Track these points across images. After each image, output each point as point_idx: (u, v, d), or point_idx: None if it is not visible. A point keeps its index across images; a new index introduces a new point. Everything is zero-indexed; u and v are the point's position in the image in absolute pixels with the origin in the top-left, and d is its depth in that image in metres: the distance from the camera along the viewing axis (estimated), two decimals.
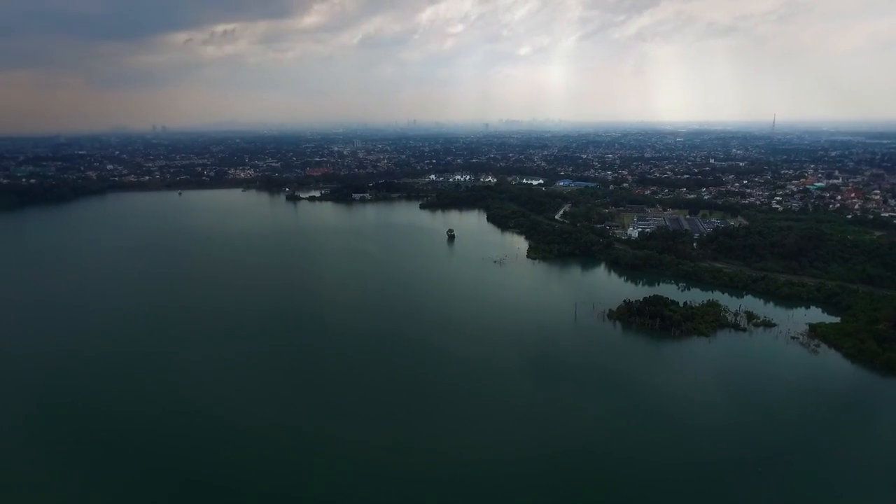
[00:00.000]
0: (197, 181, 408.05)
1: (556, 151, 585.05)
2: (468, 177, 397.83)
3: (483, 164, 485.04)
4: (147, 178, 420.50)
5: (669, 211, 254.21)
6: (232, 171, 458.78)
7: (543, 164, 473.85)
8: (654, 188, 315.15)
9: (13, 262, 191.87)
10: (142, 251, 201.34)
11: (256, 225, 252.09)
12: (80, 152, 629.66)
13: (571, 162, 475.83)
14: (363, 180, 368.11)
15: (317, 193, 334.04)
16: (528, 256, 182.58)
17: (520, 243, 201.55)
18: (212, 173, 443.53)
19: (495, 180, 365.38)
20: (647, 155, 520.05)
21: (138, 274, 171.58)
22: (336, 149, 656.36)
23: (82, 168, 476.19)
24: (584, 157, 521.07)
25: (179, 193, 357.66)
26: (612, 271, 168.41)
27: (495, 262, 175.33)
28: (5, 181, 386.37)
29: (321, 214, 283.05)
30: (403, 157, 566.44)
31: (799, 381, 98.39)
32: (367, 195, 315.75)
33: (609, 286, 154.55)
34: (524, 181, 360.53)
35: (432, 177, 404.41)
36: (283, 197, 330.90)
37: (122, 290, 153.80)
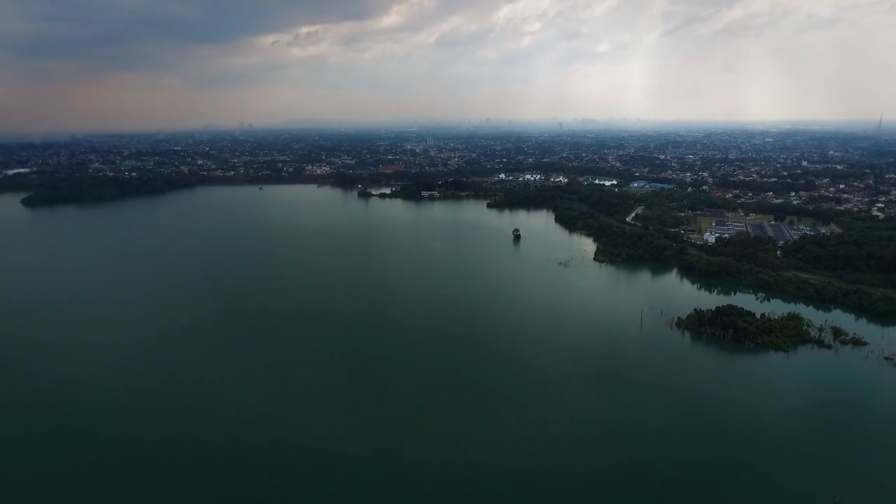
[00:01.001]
0: (277, 176, 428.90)
1: (631, 151, 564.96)
2: (538, 176, 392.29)
3: (554, 163, 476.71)
4: (232, 172, 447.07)
5: (752, 216, 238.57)
6: (309, 167, 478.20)
7: (618, 164, 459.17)
8: (737, 191, 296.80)
9: (110, 247, 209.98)
10: (218, 244, 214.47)
11: (327, 220, 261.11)
12: (176, 148, 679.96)
13: (648, 162, 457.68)
14: (433, 178, 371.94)
15: (387, 190, 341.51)
16: (594, 259, 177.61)
17: (587, 245, 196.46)
18: (290, 169, 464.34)
19: (566, 180, 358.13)
20: (731, 156, 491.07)
21: (210, 267, 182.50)
22: (409, 147, 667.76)
23: (176, 163, 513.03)
24: (662, 157, 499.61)
25: (260, 188, 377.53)
26: (683, 278, 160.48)
27: (560, 263, 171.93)
28: (111, 174, 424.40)
29: (390, 211, 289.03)
30: (474, 155, 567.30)
31: (893, 407, 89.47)
32: (436, 193, 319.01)
33: (679, 293, 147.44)
34: (596, 182, 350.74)
35: (502, 176, 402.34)
36: (355, 193, 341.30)
37: (199, 279, 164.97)
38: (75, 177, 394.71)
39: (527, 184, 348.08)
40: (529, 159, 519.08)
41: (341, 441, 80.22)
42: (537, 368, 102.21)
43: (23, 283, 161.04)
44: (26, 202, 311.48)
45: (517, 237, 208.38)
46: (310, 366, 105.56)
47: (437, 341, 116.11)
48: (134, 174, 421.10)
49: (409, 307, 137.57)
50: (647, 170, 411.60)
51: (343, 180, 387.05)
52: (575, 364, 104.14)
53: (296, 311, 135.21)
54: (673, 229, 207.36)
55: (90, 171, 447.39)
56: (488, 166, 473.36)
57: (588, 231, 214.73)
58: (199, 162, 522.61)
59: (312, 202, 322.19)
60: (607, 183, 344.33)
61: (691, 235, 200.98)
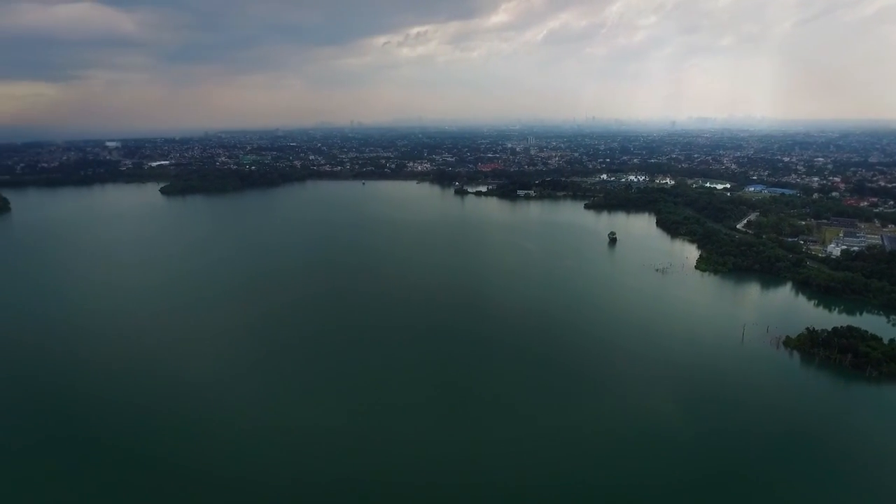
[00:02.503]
0: (379, 172, 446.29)
1: (750, 153, 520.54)
2: (643, 178, 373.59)
3: (662, 164, 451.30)
4: (339, 168, 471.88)
5: (891, 227, 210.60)
6: (410, 164, 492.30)
7: (733, 166, 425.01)
8: (875, 199, 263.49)
9: (225, 231, 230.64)
10: (317, 233, 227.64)
11: (421, 215, 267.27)
12: (292, 144, 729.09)
13: (768, 165, 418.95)
14: (530, 177, 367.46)
15: (483, 188, 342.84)
16: (696, 267, 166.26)
17: (689, 252, 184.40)
18: (393, 165, 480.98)
19: (672, 182, 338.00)
20: (871, 159, 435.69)
21: (307, 254, 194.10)
22: (509, 145, 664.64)
23: (290, 158, 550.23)
24: (786, 160, 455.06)
25: (363, 183, 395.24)
26: (798, 293, 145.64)
27: (657, 270, 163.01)
28: (234, 167, 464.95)
29: (484, 208, 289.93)
30: (576, 154, 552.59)
31: None
32: (532, 192, 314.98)
33: (790, 310, 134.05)
34: (706, 185, 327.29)
35: (603, 176, 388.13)
36: (451, 190, 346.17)
37: (296, 266, 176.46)
38: (204, 169, 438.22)
39: (629, 185, 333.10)
40: (635, 160, 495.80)
41: (441, 431, 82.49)
42: (623, 380, 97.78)
43: (148, 262, 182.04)
44: (163, 191, 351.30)
45: (613, 240, 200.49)
46: (399, 369, 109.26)
47: (521, 344, 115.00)
48: (253, 167, 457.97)
49: (495, 306, 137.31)
50: (766, 173, 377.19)
51: (441, 177, 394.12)
52: (665, 377, 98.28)
53: (380, 297, 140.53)
54: (790, 239, 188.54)
55: (217, 164, 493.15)
56: (590, 166, 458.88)
57: (691, 237, 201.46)
58: (311, 157, 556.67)
59: (409, 197, 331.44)
60: (719, 186, 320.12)
61: (812, 247, 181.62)
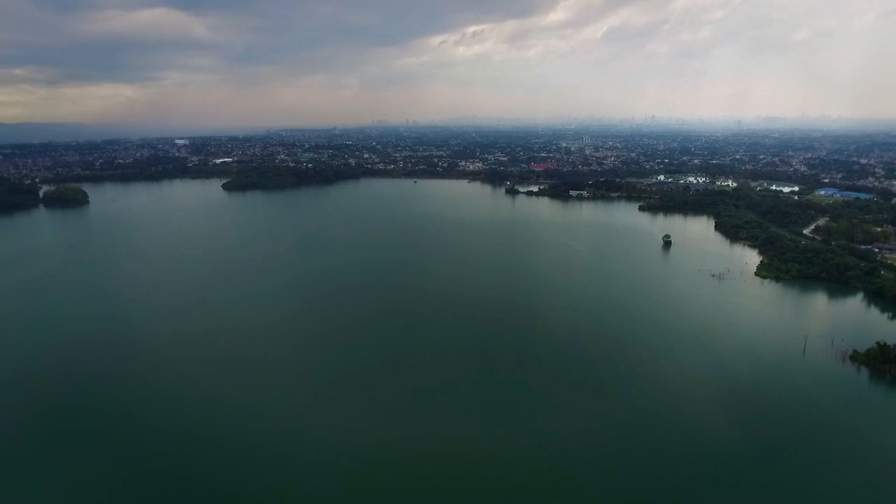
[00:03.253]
0: (432, 171, 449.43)
1: (823, 154, 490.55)
2: (703, 179, 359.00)
3: (724, 166, 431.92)
4: (392, 166, 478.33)
5: None
6: (463, 163, 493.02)
7: (803, 168, 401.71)
8: None
9: (278, 226, 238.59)
10: (368, 232, 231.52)
11: (471, 213, 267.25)
12: (347, 142, 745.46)
13: (843, 167, 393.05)
14: (584, 177, 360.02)
15: (535, 188, 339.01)
16: (756, 274, 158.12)
17: (750, 258, 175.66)
18: (445, 164, 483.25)
19: (735, 184, 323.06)
20: None
21: (358, 254, 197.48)
22: (563, 145, 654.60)
23: (346, 156, 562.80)
24: (864, 161, 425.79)
25: (415, 181, 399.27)
26: (870, 304, 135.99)
27: (714, 276, 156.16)
28: (292, 164, 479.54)
29: (535, 208, 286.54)
30: (633, 155, 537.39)
31: None
32: (584, 193, 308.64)
33: (859, 322, 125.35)
34: (772, 188, 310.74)
35: (661, 177, 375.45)
36: (502, 190, 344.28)
37: (343, 262, 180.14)
38: (264, 166, 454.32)
39: (687, 186, 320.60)
40: (695, 160, 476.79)
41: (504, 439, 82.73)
42: (673, 392, 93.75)
43: (204, 254, 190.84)
44: (225, 186, 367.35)
45: (667, 244, 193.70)
46: (439, 361, 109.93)
47: (565, 351, 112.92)
48: (310, 165, 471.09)
49: (539, 308, 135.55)
50: (840, 176, 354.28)
51: (493, 176, 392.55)
52: (719, 389, 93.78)
53: (428, 295, 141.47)
54: (864, 247, 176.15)
55: (276, 161, 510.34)
56: (647, 167, 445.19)
57: (752, 242, 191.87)
58: (366, 156, 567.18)
59: (460, 196, 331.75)
60: (786, 189, 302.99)
61: (888, 255, 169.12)
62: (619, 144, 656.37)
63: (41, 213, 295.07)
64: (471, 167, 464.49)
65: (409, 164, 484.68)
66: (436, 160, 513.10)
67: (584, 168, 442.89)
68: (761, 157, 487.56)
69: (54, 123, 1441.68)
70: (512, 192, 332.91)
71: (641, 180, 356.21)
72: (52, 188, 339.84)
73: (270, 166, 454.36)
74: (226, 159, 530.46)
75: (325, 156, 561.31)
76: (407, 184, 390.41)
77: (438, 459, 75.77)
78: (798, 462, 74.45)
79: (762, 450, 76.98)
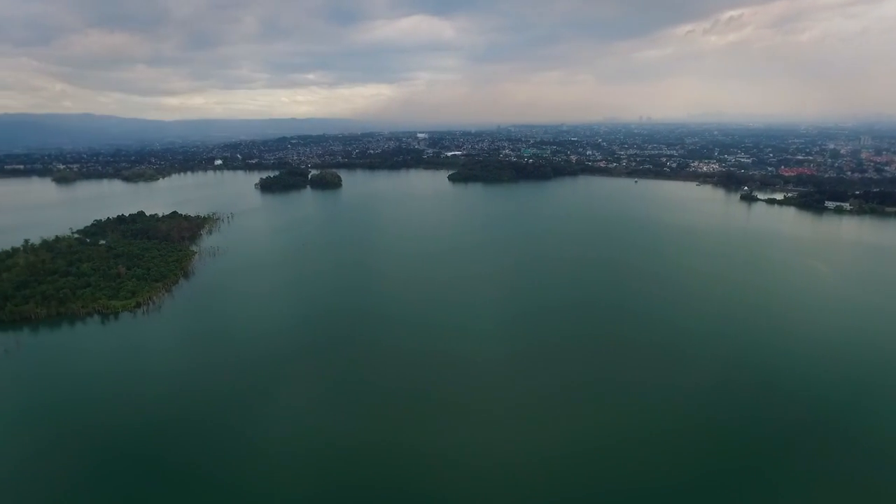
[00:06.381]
0: (657, 171, 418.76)
1: None
2: None
3: None
4: (614, 164, 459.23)
5: None
6: (695, 163, 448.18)
7: None
8: None
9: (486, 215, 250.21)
10: (572, 228, 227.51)
11: (693, 219, 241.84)
12: (573, 139, 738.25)
13: None
14: (849, 186, 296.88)
15: (780, 196, 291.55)
16: None
17: None
18: (674, 164, 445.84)
19: None
20: None
21: (561, 249, 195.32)
22: (830, 146, 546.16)
23: (568, 152, 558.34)
24: None
25: (635, 181, 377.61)
26: None
27: None
28: (514, 159, 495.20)
29: (774, 218, 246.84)
30: None
31: None
32: (846, 205, 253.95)
33: None
34: None
35: None
36: (737, 195, 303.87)
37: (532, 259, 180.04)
38: (488, 160, 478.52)
39: None
40: None
41: None
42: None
43: (419, 235, 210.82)
44: (450, 177, 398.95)
45: None
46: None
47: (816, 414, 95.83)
48: (530, 160, 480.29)
49: (771, 340, 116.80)
50: None
51: (728, 180, 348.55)
52: None
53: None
54: None
55: (500, 156, 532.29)
56: None
57: None
58: (588, 152, 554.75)
59: (684, 200, 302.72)
60: None
61: None
62: None
63: (307, 192, 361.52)
64: (703, 168, 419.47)
65: (633, 163, 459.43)
66: (664, 159, 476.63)
67: (855, 175, 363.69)
68: None
69: (330, 118, 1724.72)
70: (748, 198, 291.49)
71: None
72: (317, 172, 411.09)
73: (493, 160, 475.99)
74: (455, 152, 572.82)
75: (548, 151, 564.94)
76: (626, 183, 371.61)
77: None
78: None
79: None
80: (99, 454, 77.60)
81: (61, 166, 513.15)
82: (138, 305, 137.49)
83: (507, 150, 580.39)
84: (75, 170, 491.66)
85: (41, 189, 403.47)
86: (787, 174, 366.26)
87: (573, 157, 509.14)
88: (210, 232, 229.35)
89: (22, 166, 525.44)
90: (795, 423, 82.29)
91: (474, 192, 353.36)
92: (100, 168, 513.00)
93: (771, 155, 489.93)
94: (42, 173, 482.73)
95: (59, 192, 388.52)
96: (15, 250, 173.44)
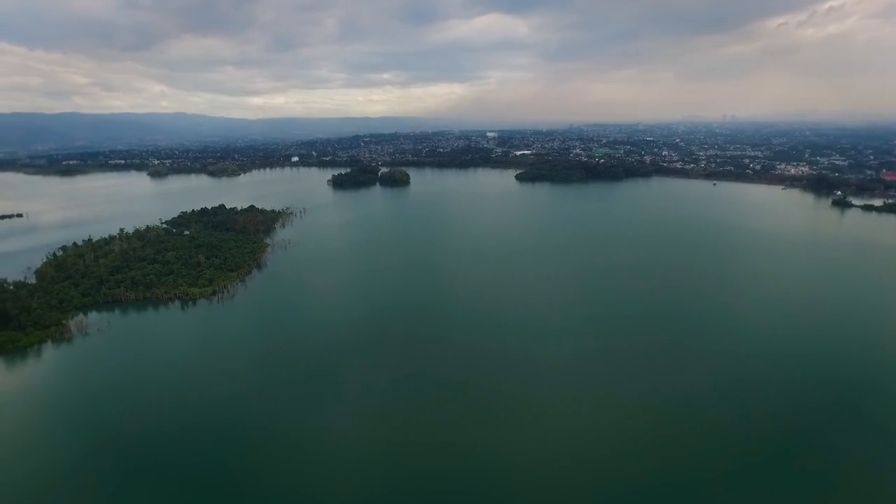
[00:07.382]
0: (738, 173, 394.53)
1: None
2: None
3: None
4: (692, 165, 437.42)
5: None
6: (782, 165, 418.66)
7: None
8: None
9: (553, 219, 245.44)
10: (641, 232, 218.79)
11: (777, 225, 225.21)
12: (648, 139, 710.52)
13: None
14: None
15: (879, 202, 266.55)
16: None
17: None
18: (757, 166, 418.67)
19: None
20: None
21: (628, 255, 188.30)
22: None
23: (642, 153, 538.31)
24: None
25: (714, 184, 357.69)
26: None
27: None
28: (584, 159, 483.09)
29: (871, 227, 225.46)
30: None
31: None
32: None
33: None
34: None
35: None
36: (829, 200, 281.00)
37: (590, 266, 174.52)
38: (557, 160, 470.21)
39: None
40: None
41: None
42: None
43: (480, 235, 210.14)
44: (518, 177, 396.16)
45: None
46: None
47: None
48: (601, 160, 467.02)
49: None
50: None
51: (818, 183, 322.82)
52: None
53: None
54: None
55: (570, 155, 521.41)
56: None
57: None
58: (664, 153, 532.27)
59: (766, 204, 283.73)
60: None
61: None
62: None
63: (377, 189, 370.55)
64: (791, 171, 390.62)
65: (713, 164, 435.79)
66: (747, 161, 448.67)
67: None
68: None
69: (402, 117, 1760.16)
70: (841, 203, 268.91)
71: None
72: (387, 170, 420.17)
73: (563, 160, 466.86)
74: (525, 151, 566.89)
75: (621, 151, 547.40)
76: (703, 185, 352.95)
77: None
78: None
79: None
80: (168, 426, 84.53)
81: (156, 162, 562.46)
82: (214, 293, 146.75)
83: (577, 150, 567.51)
84: (167, 165, 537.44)
85: (138, 182, 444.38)
86: (888, 178, 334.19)
87: (647, 158, 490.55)
88: (283, 226, 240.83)
89: (122, 161, 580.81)
90: None
91: (541, 192, 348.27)
92: (188, 163, 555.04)
93: (871, 157, 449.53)
94: (139, 168, 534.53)
95: (153, 186, 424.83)
96: (112, 238, 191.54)
